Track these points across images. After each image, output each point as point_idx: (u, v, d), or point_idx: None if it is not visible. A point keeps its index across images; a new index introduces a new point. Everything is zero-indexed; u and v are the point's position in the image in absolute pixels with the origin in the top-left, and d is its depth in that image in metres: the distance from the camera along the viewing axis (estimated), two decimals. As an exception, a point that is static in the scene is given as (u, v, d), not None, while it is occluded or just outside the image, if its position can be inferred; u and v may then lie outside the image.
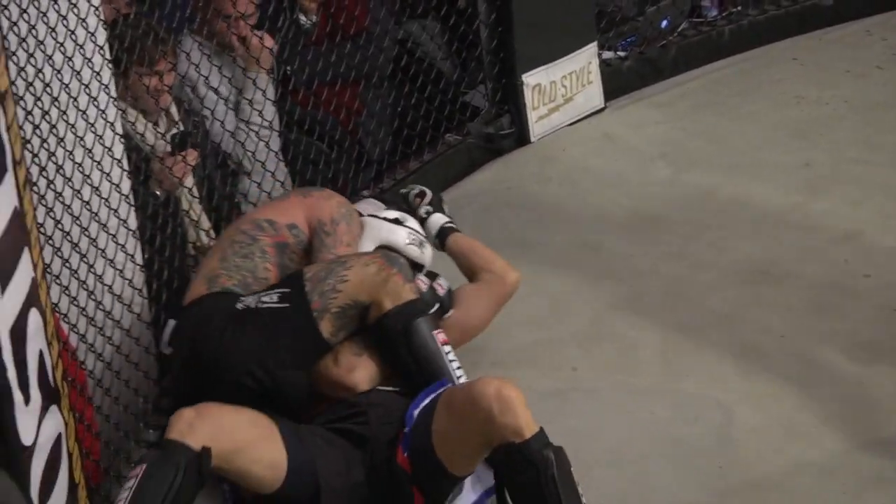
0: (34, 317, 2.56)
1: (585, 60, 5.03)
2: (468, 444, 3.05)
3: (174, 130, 3.83)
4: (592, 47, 5.05)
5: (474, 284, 3.69)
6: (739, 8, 5.47)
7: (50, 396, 2.59)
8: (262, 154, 4.14)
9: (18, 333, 2.49)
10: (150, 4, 4.04)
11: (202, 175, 3.93)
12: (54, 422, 2.60)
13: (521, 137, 4.92)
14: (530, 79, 4.88)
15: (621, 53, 5.27)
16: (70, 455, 2.67)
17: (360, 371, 3.29)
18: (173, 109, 3.88)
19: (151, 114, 3.78)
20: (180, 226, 3.80)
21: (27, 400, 2.49)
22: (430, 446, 3.07)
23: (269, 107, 4.17)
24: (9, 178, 2.54)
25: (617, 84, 5.17)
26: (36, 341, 2.55)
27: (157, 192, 3.73)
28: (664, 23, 5.29)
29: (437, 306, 3.42)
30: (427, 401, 3.16)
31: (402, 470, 3.11)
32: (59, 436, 2.62)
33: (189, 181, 3.82)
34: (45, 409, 2.56)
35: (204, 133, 4.04)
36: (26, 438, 2.49)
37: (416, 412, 3.15)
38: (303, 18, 4.51)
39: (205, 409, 3.04)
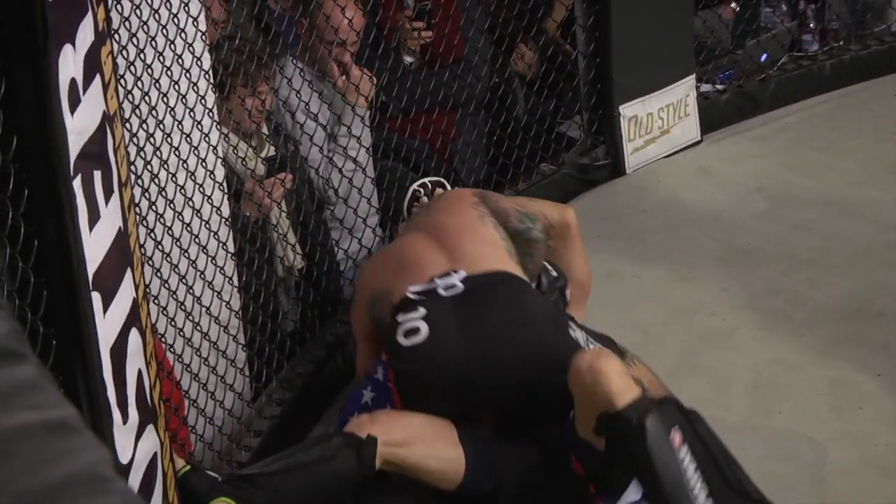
0: (134, 336, 2.59)
1: (683, 93, 5.00)
2: (580, 409, 3.04)
3: (268, 154, 3.86)
4: (690, 80, 5.02)
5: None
6: (841, 42, 5.40)
7: (147, 416, 2.62)
8: (347, 186, 4.15)
9: (119, 353, 2.53)
10: (256, 29, 4.09)
11: (294, 201, 3.94)
12: (151, 441, 2.63)
13: (615, 168, 4.90)
14: (627, 110, 4.87)
15: (719, 86, 5.23)
16: (165, 475, 2.69)
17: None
18: (264, 133, 3.91)
19: (249, 136, 3.81)
20: (272, 249, 3.83)
21: (125, 419, 2.52)
22: (576, 435, 3.06)
23: (364, 138, 4.18)
24: (114, 198, 2.57)
25: (714, 117, 5.13)
26: (135, 361, 2.59)
27: (248, 214, 3.75)
28: (764, 56, 5.25)
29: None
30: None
31: (576, 474, 3.12)
32: (155, 455, 2.64)
33: (283, 205, 3.84)
34: (142, 429, 2.59)
35: (299, 159, 4.06)
36: (123, 457, 2.52)
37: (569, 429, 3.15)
38: (407, 59, 4.55)
39: (379, 412, 3.08)
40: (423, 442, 3.09)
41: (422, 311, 3.24)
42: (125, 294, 2.57)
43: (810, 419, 3.59)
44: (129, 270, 2.61)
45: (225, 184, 3.46)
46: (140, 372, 2.60)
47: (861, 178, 4.76)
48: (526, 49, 4.88)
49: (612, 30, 4.74)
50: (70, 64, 2.38)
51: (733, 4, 5.34)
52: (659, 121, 4.96)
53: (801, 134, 5.04)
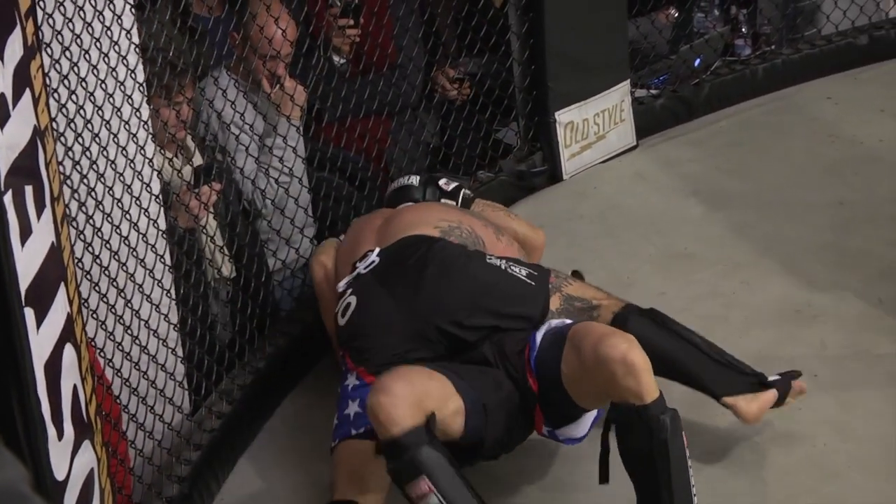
0: (69, 352, 2.55)
1: (618, 98, 5.02)
2: (595, 392, 3.14)
3: (192, 165, 3.82)
4: (625, 85, 5.03)
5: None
6: (773, 47, 5.44)
7: (83, 431, 2.58)
8: (282, 198, 4.12)
9: (53, 368, 2.49)
10: (190, 39, 4.05)
11: (225, 210, 3.91)
12: (87, 457, 2.59)
13: (553, 175, 4.90)
14: (563, 116, 4.87)
15: (654, 92, 5.25)
16: (102, 490, 2.66)
17: None
18: (190, 144, 3.87)
19: (177, 147, 3.77)
20: (202, 256, 3.80)
21: (60, 435, 2.48)
22: (558, 380, 3.15)
23: (298, 148, 4.15)
24: (47, 213, 2.54)
25: (649, 122, 5.15)
26: (70, 376, 2.55)
27: (180, 224, 3.71)
28: (697, 61, 5.28)
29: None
30: (550, 328, 3.26)
31: (530, 390, 3.20)
32: (92, 471, 2.61)
33: (208, 217, 3.80)
34: (77, 445, 2.55)
35: (227, 170, 4.02)
36: (59, 473, 2.48)
37: (539, 336, 3.24)
38: (336, 58, 4.53)
39: (393, 386, 2.98)
40: (441, 404, 3.08)
41: (349, 290, 3.47)
42: (59, 309, 2.53)
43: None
44: (62, 285, 2.57)
45: (161, 196, 3.43)
46: (75, 387, 2.56)
47: (797, 181, 4.79)
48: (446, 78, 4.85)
49: (546, 36, 4.74)
50: (-2, 79, 2.34)
51: (671, 10, 5.36)
52: (595, 126, 4.97)
53: (736, 137, 5.07)
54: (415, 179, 4.00)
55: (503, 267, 3.45)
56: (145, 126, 3.35)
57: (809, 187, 4.74)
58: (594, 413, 3.28)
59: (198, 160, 3.87)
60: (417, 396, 2.98)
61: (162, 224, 3.42)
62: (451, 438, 3.09)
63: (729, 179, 4.85)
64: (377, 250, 3.52)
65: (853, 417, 3.59)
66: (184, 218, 3.70)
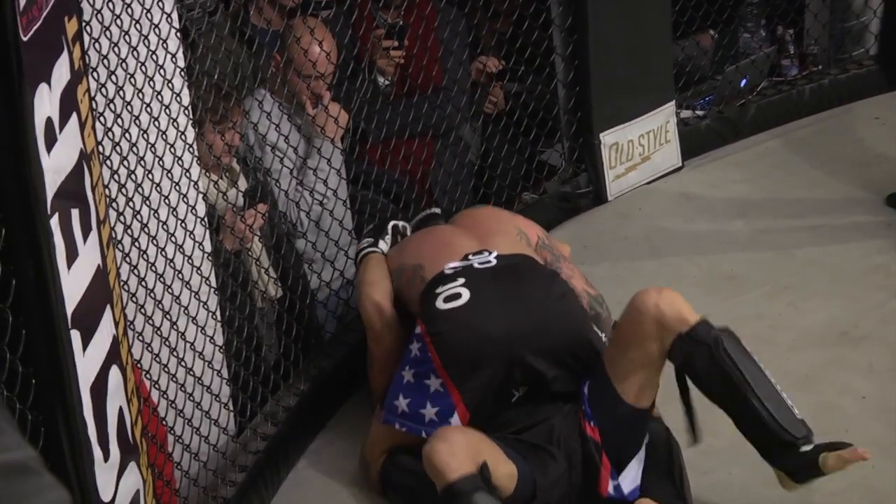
0: (115, 374, 2.57)
1: (663, 119, 5.01)
2: (645, 360, 3.21)
3: (238, 188, 3.85)
4: (671, 106, 5.02)
5: None
6: (820, 67, 5.41)
7: (129, 453, 2.60)
8: (325, 218, 4.14)
9: (99, 390, 2.51)
10: (248, 51, 4.07)
11: (269, 231, 3.93)
12: (133, 479, 2.61)
13: (597, 196, 4.89)
14: (608, 137, 4.87)
15: (699, 112, 5.23)
16: (148, 511, 2.67)
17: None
18: (236, 167, 3.89)
19: (224, 170, 3.80)
20: (250, 280, 3.81)
21: (106, 456, 2.50)
22: (611, 391, 3.24)
23: (338, 167, 4.18)
24: (93, 236, 2.56)
25: (695, 143, 5.13)
26: (116, 398, 2.57)
27: (228, 247, 3.74)
28: (743, 82, 5.26)
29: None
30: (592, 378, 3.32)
31: (593, 441, 3.28)
32: (138, 492, 2.62)
33: (253, 239, 3.83)
34: (123, 466, 2.57)
35: (271, 192, 4.05)
36: (105, 495, 2.50)
37: (586, 388, 3.31)
38: (380, 79, 4.54)
39: (451, 435, 3.12)
40: (494, 464, 3.16)
41: (461, 280, 3.41)
42: (105, 331, 2.56)
43: (796, 444, 3.57)
44: (108, 307, 2.59)
45: (206, 219, 3.45)
46: (121, 409, 2.59)
47: (843, 203, 4.75)
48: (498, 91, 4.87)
49: (591, 58, 4.74)
50: (46, 103, 2.37)
51: (711, 32, 5.35)
52: (640, 147, 4.96)
53: (782, 159, 5.05)
54: (438, 211, 4.08)
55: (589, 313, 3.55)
56: (191, 149, 3.37)
57: (856, 210, 4.70)
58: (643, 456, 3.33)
59: (243, 183, 3.89)
60: (474, 448, 3.09)
61: (207, 246, 3.44)
62: (499, 496, 3.16)
63: (775, 201, 4.82)
64: (494, 252, 3.51)
65: (901, 441, 3.56)
66: (230, 240, 3.72)
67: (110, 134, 3.07)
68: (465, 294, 3.36)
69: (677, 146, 5.06)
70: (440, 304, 3.36)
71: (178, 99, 3.32)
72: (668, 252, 4.58)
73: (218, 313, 3.48)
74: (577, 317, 3.44)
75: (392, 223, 3.89)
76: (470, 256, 3.51)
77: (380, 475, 3.49)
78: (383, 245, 3.83)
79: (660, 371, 3.27)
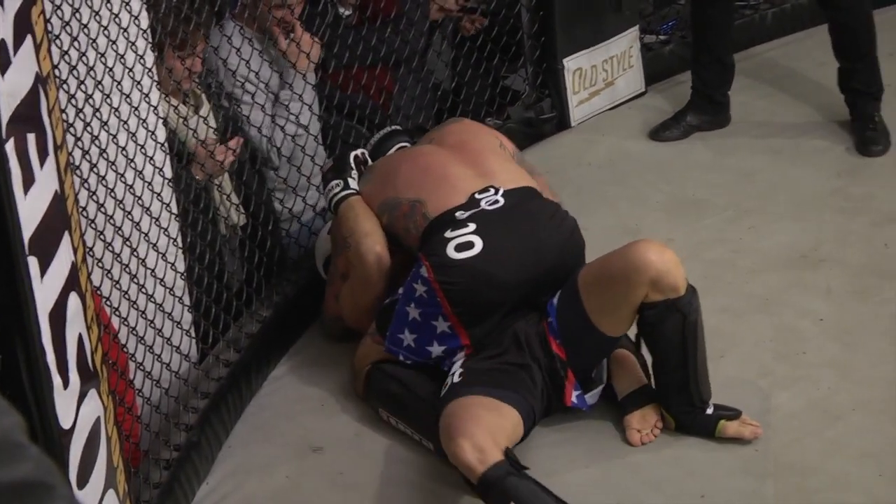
0: (73, 300, 2.55)
1: (627, 44, 4.99)
2: (628, 304, 3.25)
3: (207, 112, 3.81)
4: (634, 31, 5.00)
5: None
6: (783, -9, 5.40)
7: (89, 380, 2.59)
8: (297, 151, 4.11)
9: (58, 317, 2.49)
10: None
11: (237, 161, 3.91)
12: (93, 405, 2.60)
13: (561, 122, 4.88)
14: (571, 63, 4.85)
15: (663, 37, 5.22)
16: (109, 438, 2.67)
17: None
18: (197, 92, 3.86)
19: (173, 96, 3.76)
20: (215, 208, 3.80)
21: (66, 383, 2.49)
22: (585, 319, 3.27)
23: (308, 100, 4.14)
24: (50, 161, 2.53)
25: (658, 68, 5.12)
26: (75, 325, 2.55)
27: (199, 178, 3.72)
28: (705, 6, 5.23)
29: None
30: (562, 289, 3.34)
31: (558, 358, 3.31)
32: (98, 419, 2.61)
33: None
34: (83, 393, 2.56)
35: (241, 120, 4.02)
36: (65, 422, 2.49)
37: (556, 300, 3.33)
38: (342, 10, 4.50)
39: (471, 429, 3.11)
40: (509, 432, 3.20)
41: (472, 226, 3.38)
42: (63, 258, 2.53)
43: (754, 365, 3.61)
44: (66, 234, 2.57)
45: (167, 144, 3.42)
46: (80, 336, 2.57)
47: (805, 127, 4.76)
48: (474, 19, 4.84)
49: (554, -18, 4.71)
50: (-2, 25, 2.33)
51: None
52: (603, 73, 4.95)
53: (745, 83, 5.04)
54: (398, 127, 4.03)
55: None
56: (150, 74, 3.33)
57: (818, 133, 4.71)
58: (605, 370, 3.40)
59: (206, 109, 3.85)
60: (492, 435, 3.12)
61: (168, 172, 3.41)
62: (517, 441, 3.24)
63: (738, 125, 4.82)
64: (501, 189, 3.48)
65: (857, 360, 3.59)
66: (200, 173, 3.71)
67: (67, 57, 3.03)
68: (478, 243, 3.34)
69: (641, 71, 5.04)
70: (452, 253, 3.33)
71: (137, 22, 3.27)
72: (632, 177, 4.59)
73: (179, 240, 3.46)
74: (582, 251, 3.47)
75: (352, 154, 3.83)
76: (476, 195, 3.47)
77: (365, 383, 3.52)
78: (353, 183, 3.74)
79: (635, 314, 3.29)
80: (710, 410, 3.33)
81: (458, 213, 3.42)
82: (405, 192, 3.56)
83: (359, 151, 3.85)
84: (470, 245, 3.34)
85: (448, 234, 3.36)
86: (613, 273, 3.25)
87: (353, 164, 3.78)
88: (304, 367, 3.81)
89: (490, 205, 3.44)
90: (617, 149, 4.77)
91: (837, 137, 4.65)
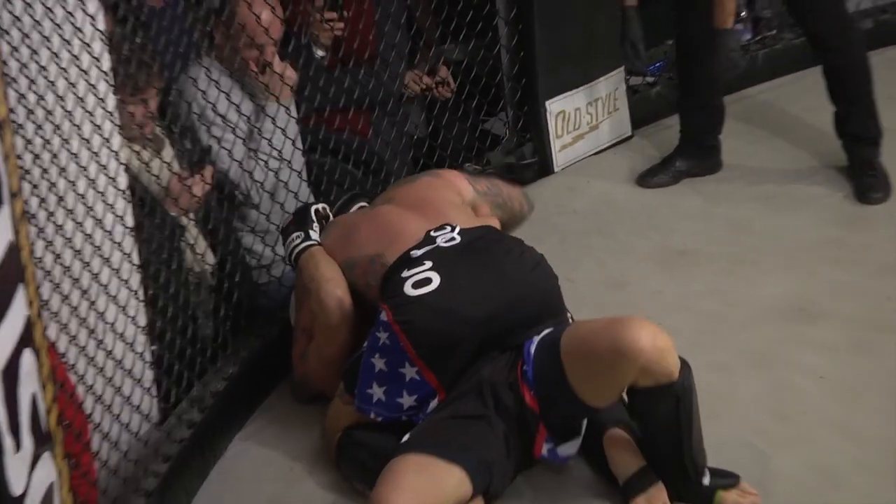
0: (28, 358, 2.50)
1: (612, 86, 5.00)
2: (614, 386, 3.20)
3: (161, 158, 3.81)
4: (619, 73, 5.01)
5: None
6: (774, 32, 5.42)
7: (42, 442, 2.53)
8: (280, 188, 4.10)
9: (10, 375, 2.44)
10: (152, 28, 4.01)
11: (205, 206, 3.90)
12: (46, 470, 2.54)
13: (543, 167, 4.88)
14: (554, 105, 4.85)
15: (650, 79, 5.23)
16: (64, 505, 2.61)
17: None
18: (160, 135, 3.85)
19: (135, 142, 3.75)
20: (181, 255, 3.77)
21: (18, 446, 2.43)
22: (565, 386, 3.20)
23: (289, 131, 4.13)
24: (5, 210, 2.49)
25: (645, 111, 5.13)
26: (29, 384, 2.50)
27: (174, 214, 3.70)
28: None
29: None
30: (543, 336, 3.30)
31: (530, 410, 3.27)
32: (52, 486, 2.56)
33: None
34: (37, 456, 2.50)
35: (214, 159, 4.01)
36: (16, 488, 2.43)
37: (534, 348, 3.28)
38: (318, 52, 4.50)
39: (400, 482, 3.10)
40: (443, 493, 3.16)
41: (428, 263, 3.38)
42: (17, 312, 2.49)
43: (751, 425, 3.57)
44: (21, 286, 2.52)
45: (128, 192, 3.38)
46: (34, 396, 2.52)
47: (801, 173, 4.78)
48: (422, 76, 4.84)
49: (536, 22, 4.72)
50: (-51, 66, 2.30)
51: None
52: (587, 116, 4.95)
53: (736, 128, 5.05)
54: (357, 191, 4.09)
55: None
56: (111, 118, 3.30)
57: (814, 180, 4.72)
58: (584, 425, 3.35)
59: (168, 153, 3.83)
60: (423, 485, 3.10)
61: (129, 220, 3.38)
62: (465, 502, 3.20)
63: (729, 171, 4.83)
64: (457, 228, 3.49)
65: (860, 420, 3.56)
66: (174, 207, 3.69)
67: (23, 101, 3.00)
68: (436, 278, 3.33)
69: (627, 114, 5.05)
70: (409, 291, 3.32)
71: (98, 64, 3.25)
72: (618, 226, 4.58)
73: (141, 292, 3.42)
74: (551, 284, 3.45)
75: (313, 208, 3.84)
76: (432, 233, 3.49)
77: (337, 451, 3.48)
78: (315, 235, 3.76)
79: (622, 391, 3.25)
80: (706, 480, 3.27)
81: (413, 252, 3.43)
82: (363, 249, 3.61)
83: (320, 206, 3.86)
84: (427, 281, 3.34)
85: (405, 273, 3.37)
86: (600, 352, 3.17)
87: (314, 218, 3.79)
88: (273, 427, 3.77)
89: (446, 242, 3.45)
90: (602, 196, 4.76)
91: (835, 184, 4.66)
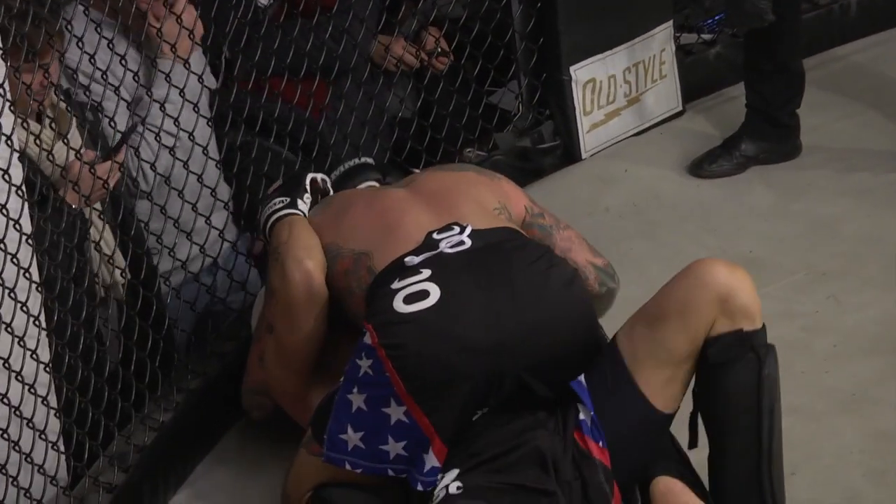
0: None
1: (658, 47, 5.04)
2: (687, 340, 3.33)
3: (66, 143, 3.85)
4: (667, 29, 5.06)
5: None
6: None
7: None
8: (179, 172, 4.17)
9: None
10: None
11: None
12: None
13: (568, 153, 4.93)
14: (581, 73, 4.90)
15: (707, 37, 5.27)
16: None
17: None
18: (63, 106, 3.90)
19: (41, 117, 3.80)
20: (87, 262, 3.81)
21: None
22: (630, 384, 3.35)
23: (188, 111, 4.19)
24: None
25: (701, 78, 5.18)
26: None
27: (73, 206, 3.74)
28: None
29: None
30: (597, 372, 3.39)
31: (600, 464, 3.33)
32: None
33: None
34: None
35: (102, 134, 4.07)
36: None
37: (585, 386, 3.38)
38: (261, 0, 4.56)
39: None
40: None
41: (426, 272, 3.39)
42: None
43: (838, 484, 3.64)
44: None
45: (25, 188, 3.44)
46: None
47: (901, 158, 4.84)
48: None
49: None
50: None
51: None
52: (625, 86, 5.00)
53: (820, 98, 5.09)
54: (370, 160, 4.08)
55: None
56: (1, 92, 3.36)
57: (921, 167, 4.78)
58: None
59: (76, 137, 3.88)
60: None
61: (26, 226, 3.42)
62: None
63: (810, 156, 4.88)
64: (468, 228, 3.53)
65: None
66: (74, 196, 3.74)
67: None
68: (434, 291, 3.35)
69: (676, 83, 5.10)
70: (400, 306, 3.34)
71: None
72: (665, 228, 4.62)
73: (43, 319, 3.47)
74: (586, 311, 3.47)
75: (310, 176, 3.90)
76: (435, 236, 3.52)
77: None
78: (303, 206, 3.83)
79: (693, 369, 3.36)
80: None
81: (408, 259, 3.46)
82: (350, 240, 3.65)
83: (319, 176, 3.91)
84: (424, 294, 3.36)
85: (396, 284, 3.39)
86: (669, 302, 3.36)
87: (307, 188, 3.86)
88: (217, 491, 3.82)
89: (452, 246, 3.48)
90: (645, 188, 4.80)
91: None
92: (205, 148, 4.25)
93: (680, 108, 5.12)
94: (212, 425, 3.99)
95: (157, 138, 4.14)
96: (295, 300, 3.65)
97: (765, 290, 4.30)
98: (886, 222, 4.58)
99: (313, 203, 3.87)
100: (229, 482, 3.86)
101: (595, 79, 4.94)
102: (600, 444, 3.34)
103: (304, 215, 3.81)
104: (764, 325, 3.33)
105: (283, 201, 3.83)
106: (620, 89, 5.00)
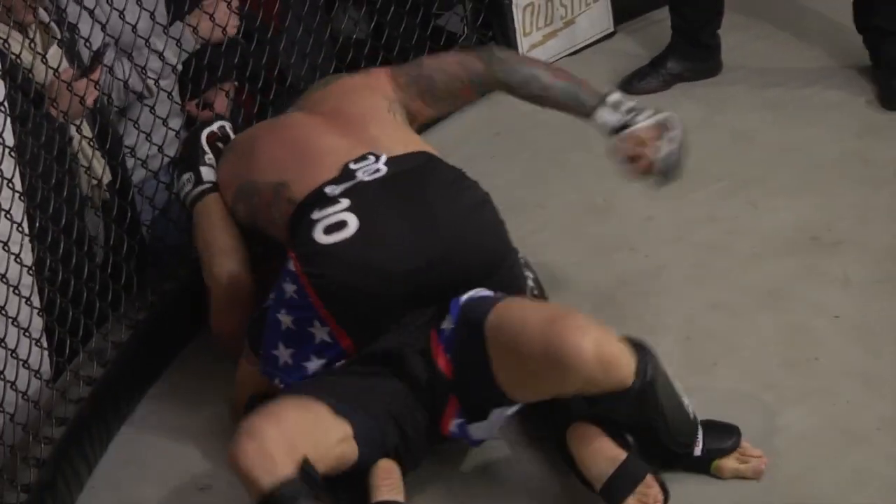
0: None
1: (591, -29, 5.03)
2: (549, 392, 3.22)
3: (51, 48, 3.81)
4: (600, -47, 5.05)
5: None
6: None
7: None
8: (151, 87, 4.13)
9: None
10: None
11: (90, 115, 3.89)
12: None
13: (509, 71, 4.90)
14: (520, -5, 4.89)
15: (637, -40, 5.26)
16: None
17: None
18: (47, 20, 3.85)
19: (27, 27, 3.74)
20: (74, 180, 3.77)
21: None
22: (486, 370, 3.22)
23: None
24: None
25: (631, 2, 5.16)
26: None
27: (56, 117, 3.70)
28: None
29: None
30: (471, 297, 3.31)
31: (442, 376, 3.30)
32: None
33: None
34: None
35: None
36: None
37: (460, 307, 3.30)
38: None
39: (262, 429, 3.09)
40: (321, 440, 3.17)
41: (344, 202, 3.37)
42: None
43: (757, 374, 3.65)
44: None
45: (6, 103, 3.40)
46: None
47: (815, 75, 4.83)
48: None
49: None
50: None
51: None
52: (561, 9, 4.98)
53: (738, 20, 5.08)
54: None
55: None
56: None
57: (831, 83, 4.77)
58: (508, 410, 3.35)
59: (56, 54, 3.83)
60: (289, 440, 3.08)
61: (8, 137, 3.39)
62: (348, 466, 3.22)
63: (731, 74, 4.87)
64: (383, 156, 3.49)
65: (883, 367, 3.63)
66: (54, 111, 3.69)
67: None
68: (353, 221, 3.34)
69: (608, 6, 5.08)
70: (320, 237, 3.33)
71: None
72: (600, 140, 4.58)
73: (25, 224, 3.44)
74: (499, 233, 3.45)
75: (206, 132, 3.85)
76: (352, 165, 3.48)
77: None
78: (208, 172, 3.79)
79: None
80: (699, 450, 3.32)
81: (328, 189, 3.43)
82: (266, 174, 3.60)
83: (215, 127, 3.86)
84: (342, 225, 3.34)
85: (315, 214, 3.37)
86: (533, 356, 3.16)
87: (206, 147, 3.80)
88: (188, 384, 3.81)
89: (369, 174, 3.45)
90: (580, 105, 4.79)
91: (856, 88, 4.71)
92: (161, 54, 4.18)
93: (611, 29, 5.12)
94: (185, 323, 3.97)
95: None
96: (225, 300, 3.69)
97: (690, 198, 4.32)
98: (799, 133, 4.57)
99: (217, 154, 3.82)
100: (202, 371, 3.86)
101: (534, 2, 4.93)
102: (447, 355, 3.31)
103: (213, 182, 3.76)
104: (639, 365, 3.16)
105: (189, 179, 3.79)
106: (557, 12, 4.98)
